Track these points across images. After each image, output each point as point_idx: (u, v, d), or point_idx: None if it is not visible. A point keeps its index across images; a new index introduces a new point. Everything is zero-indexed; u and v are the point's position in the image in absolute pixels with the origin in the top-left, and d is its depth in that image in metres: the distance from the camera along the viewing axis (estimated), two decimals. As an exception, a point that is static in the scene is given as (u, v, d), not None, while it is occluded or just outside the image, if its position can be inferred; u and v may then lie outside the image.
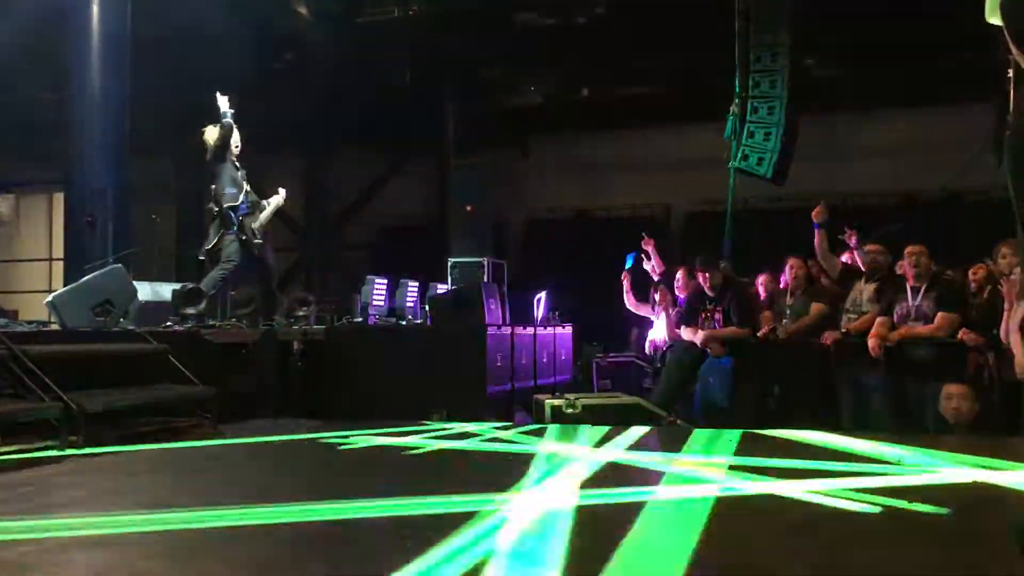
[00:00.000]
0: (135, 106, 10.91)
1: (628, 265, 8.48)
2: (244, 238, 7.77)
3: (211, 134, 7.90)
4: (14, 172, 16.59)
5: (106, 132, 10.42)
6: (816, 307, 6.99)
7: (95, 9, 10.40)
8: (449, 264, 11.28)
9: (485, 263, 11.08)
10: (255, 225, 7.88)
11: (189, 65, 12.52)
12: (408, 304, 8.69)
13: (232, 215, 7.71)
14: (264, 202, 8.17)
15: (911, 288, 6.33)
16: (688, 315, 7.39)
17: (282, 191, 8.46)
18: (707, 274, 7.25)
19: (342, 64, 14.69)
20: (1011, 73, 2.43)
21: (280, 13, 13.53)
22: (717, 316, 7.19)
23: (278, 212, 8.51)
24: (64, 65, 10.89)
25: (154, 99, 12.58)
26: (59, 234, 12.26)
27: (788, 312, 7.13)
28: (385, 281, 8.51)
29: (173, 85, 13.26)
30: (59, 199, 14.85)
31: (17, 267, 16.97)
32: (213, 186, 7.87)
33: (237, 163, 7.98)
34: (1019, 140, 2.38)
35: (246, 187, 7.97)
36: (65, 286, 7.77)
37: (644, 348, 8.58)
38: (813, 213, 6.92)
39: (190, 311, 7.35)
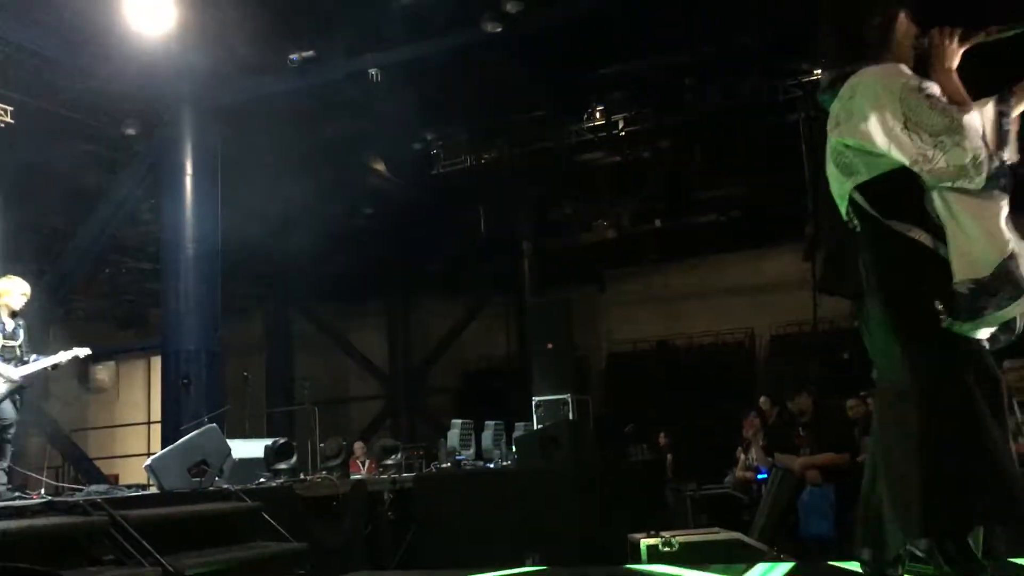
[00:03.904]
0: (226, 267, 11.42)
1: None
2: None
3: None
4: (114, 340, 17.36)
5: (199, 297, 10.90)
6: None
7: (187, 181, 11.07)
8: (533, 403, 11.27)
9: (569, 400, 11.05)
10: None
11: (274, 226, 13.12)
12: (494, 446, 8.66)
13: None
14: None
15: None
16: (781, 443, 7.17)
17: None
18: (796, 399, 7.08)
19: (419, 214, 15.21)
20: None
21: (359, 170, 14.18)
22: (811, 442, 6.97)
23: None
24: (157, 236, 11.55)
25: (243, 260, 13.16)
26: (157, 397, 12.66)
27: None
28: (470, 424, 8.52)
29: (259, 245, 13.87)
30: (156, 363, 15.41)
31: (116, 432, 17.51)
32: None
33: None
34: None
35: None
36: (162, 448, 7.97)
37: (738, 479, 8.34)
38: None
39: (282, 466, 7.45)
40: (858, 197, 2.68)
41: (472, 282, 17.38)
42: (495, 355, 17.71)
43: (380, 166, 14.56)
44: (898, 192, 2.61)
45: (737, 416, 8.35)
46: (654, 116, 13.05)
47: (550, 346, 11.85)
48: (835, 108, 2.73)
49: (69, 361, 7.20)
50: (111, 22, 9.22)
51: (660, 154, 14.02)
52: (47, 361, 7.10)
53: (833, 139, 2.74)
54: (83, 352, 7.30)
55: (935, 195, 2.57)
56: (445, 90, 11.85)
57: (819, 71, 10.99)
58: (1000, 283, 2.49)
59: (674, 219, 16.57)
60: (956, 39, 2.69)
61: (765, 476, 7.52)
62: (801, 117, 11.51)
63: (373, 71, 10.98)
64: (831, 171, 2.79)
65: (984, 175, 2.51)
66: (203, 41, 9.83)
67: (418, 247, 16.46)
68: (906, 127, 2.53)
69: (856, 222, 2.73)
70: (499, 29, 10.00)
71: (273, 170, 12.49)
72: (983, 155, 2.51)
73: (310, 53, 10.68)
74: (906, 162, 2.55)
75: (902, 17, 2.75)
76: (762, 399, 7.69)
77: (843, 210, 2.80)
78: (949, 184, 2.54)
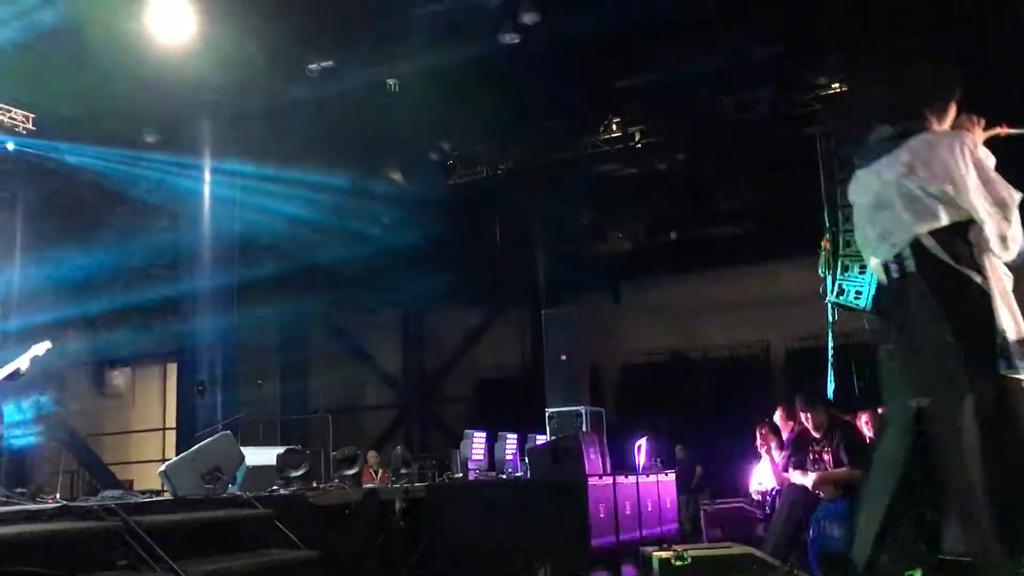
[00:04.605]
0: (243, 273, 11.49)
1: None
2: None
3: None
4: (130, 346, 17.46)
5: (216, 305, 10.96)
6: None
7: (206, 188, 11.15)
8: (547, 414, 11.27)
9: (582, 411, 11.04)
10: None
11: (291, 232, 13.19)
12: (507, 457, 8.66)
13: None
14: None
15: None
16: (795, 457, 7.14)
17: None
18: (810, 413, 7.04)
19: (435, 223, 15.25)
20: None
21: (376, 178, 14.24)
22: (826, 457, 6.93)
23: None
24: (175, 242, 11.63)
25: (260, 266, 13.23)
26: (172, 403, 12.74)
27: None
28: (483, 435, 8.53)
29: (276, 252, 13.95)
30: (172, 369, 15.48)
31: (132, 437, 17.58)
32: None
33: None
34: None
35: None
36: (177, 454, 8.01)
37: (751, 492, 8.29)
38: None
39: (294, 474, 7.47)
40: (929, 241, 2.98)
41: (487, 292, 17.39)
42: (509, 365, 17.70)
43: (397, 175, 14.61)
44: (965, 241, 2.96)
45: (751, 429, 8.30)
46: (670, 128, 13.04)
47: (564, 356, 11.86)
48: (903, 155, 3.05)
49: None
50: (133, 30, 9.31)
51: (676, 166, 14.00)
52: (8, 368, 7.22)
53: (911, 183, 3.02)
54: (43, 348, 7.42)
55: (984, 251, 2.95)
56: (462, 100, 11.90)
57: (840, 86, 10.93)
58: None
59: (690, 231, 16.53)
60: (982, 127, 3.12)
61: (779, 490, 7.49)
62: (818, 131, 11.49)
63: (391, 81, 11.04)
64: (891, 210, 3.06)
65: (1016, 250, 2.92)
66: (223, 49, 9.91)
67: (434, 256, 16.48)
68: (976, 188, 2.92)
69: (910, 261, 3.01)
70: (516, 40, 10.04)
71: (290, 177, 12.56)
72: (1020, 234, 2.92)
73: (329, 63, 10.74)
74: (976, 216, 2.93)
75: (954, 103, 3.17)
76: (776, 412, 7.65)
77: (887, 248, 3.10)
78: (988, 249, 2.92)
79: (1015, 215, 2.90)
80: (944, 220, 2.96)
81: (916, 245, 3.00)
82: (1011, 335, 2.81)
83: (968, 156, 2.93)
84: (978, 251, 2.93)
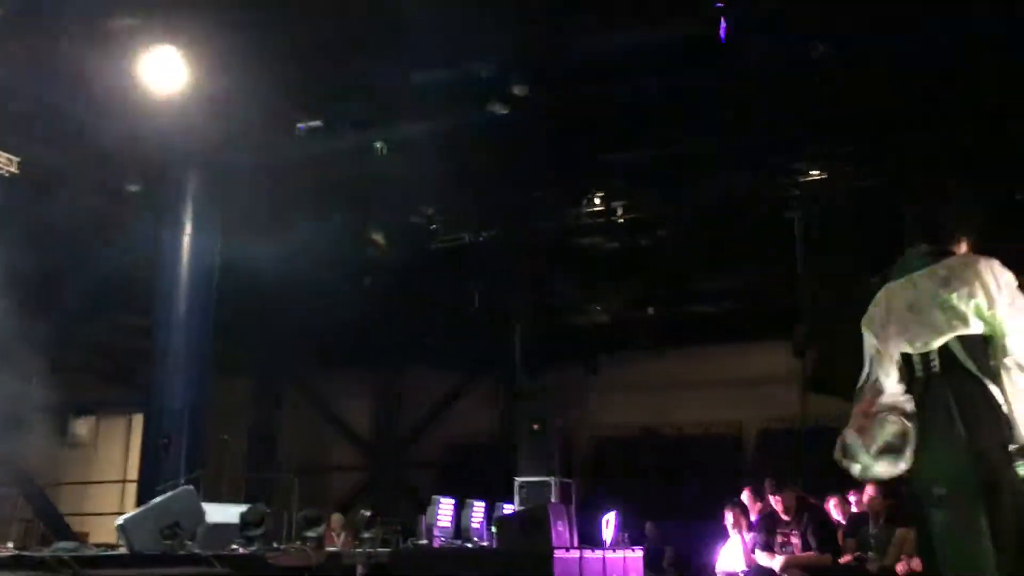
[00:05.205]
0: (216, 328, 11.38)
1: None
2: None
3: None
4: (95, 394, 17.17)
5: (189, 358, 10.82)
6: (901, 533, 6.65)
7: (186, 240, 11.11)
8: (516, 484, 11.15)
9: (552, 483, 10.93)
10: None
11: (269, 289, 13.14)
12: (474, 525, 8.52)
13: None
14: None
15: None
16: (762, 539, 7.08)
17: None
18: (779, 496, 7.01)
19: (414, 287, 15.25)
20: None
21: (358, 239, 14.26)
22: (794, 540, 6.88)
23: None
24: (150, 292, 11.53)
25: (234, 321, 13.12)
26: (135, 455, 12.48)
27: (873, 542, 6.78)
28: (451, 501, 8.41)
29: (252, 308, 13.86)
30: (138, 420, 15.21)
31: (91, 488, 17.17)
32: None
33: None
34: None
35: None
36: (136, 508, 7.83)
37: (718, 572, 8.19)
38: None
39: (255, 533, 7.30)
40: (956, 346, 3.21)
41: (462, 358, 17.32)
42: (480, 432, 17.55)
43: (379, 237, 14.64)
44: (988, 354, 3.20)
45: (722, 509, 8.24)
46: (653, 205, 13.19)
47: (536, 427, 11.79)
48: (940, 271, 3.33)
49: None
50: (124, 80, 9.36)
51: (658, 243, 14.14)
52: None
53: (946, 294, 3.27)
54: None
55: (1003, 364, 3.17)
56: (449, 166, 12.00)
57: (820, 173, 11.19)
58: None
59: (668, 307, 16.61)
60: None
61: (746, 572, 7.41)
62: (797, 216, 11.68)
63: (379, 144, 11.14)
64: (926, 315, 3.30)
65: None
66: (214, 105, 9.97)
67: (411, 320, 16.44)
68: (1008, 307, 3.17)
69: (936, 362, 3.26)
70: (505, 111, 10.18)
71: (272, 234, 12.55)
72: None
73: (318, 123, 10.84)
74: (1007, 331, 3.16)
75: (976, 240, 3.49)
76: (744, 493, 7.61)
77: (919, 346, 3.32)
78: (1011, 366, 3.15)
79: None
80: (974, 328, 3.18)
81: (944, 349, 3.24)
82: None
83: (1000, 277, 3.20)
84: (997, 365, 3.15)
